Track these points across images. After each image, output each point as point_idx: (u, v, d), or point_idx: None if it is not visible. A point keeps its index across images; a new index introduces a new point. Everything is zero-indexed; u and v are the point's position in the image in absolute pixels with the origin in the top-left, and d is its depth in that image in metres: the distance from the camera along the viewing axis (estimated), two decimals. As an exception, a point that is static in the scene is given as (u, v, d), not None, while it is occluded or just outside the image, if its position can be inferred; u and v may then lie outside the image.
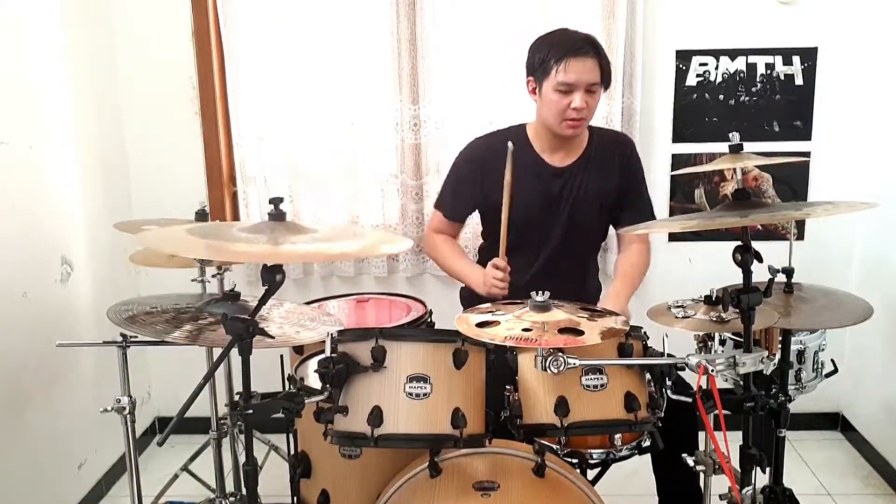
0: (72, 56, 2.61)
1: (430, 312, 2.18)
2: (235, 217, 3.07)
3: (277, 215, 1.47)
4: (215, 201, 3.01)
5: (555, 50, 2.04)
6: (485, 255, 2.38)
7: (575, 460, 1.68)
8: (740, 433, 1.60)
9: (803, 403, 2.40)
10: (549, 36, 2.12)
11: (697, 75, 2.88)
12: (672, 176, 2.94)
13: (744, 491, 1.62)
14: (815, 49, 2.84)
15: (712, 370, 1.46)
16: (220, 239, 1.47)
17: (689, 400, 1.54)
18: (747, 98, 2.89)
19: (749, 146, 1.59)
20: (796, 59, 2.86)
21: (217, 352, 2.19)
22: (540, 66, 2.07)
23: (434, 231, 2.38)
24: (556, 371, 1.43)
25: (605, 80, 2.09)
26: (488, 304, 1.72)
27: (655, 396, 1.59)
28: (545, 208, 2.20)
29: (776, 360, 1.99)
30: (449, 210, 2.33)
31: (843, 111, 2.88)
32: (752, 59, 2.86)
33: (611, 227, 2.37)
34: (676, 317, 1.67)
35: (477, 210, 2.35)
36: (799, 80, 2.87)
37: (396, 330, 1.80)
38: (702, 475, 1.67)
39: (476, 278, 2.18)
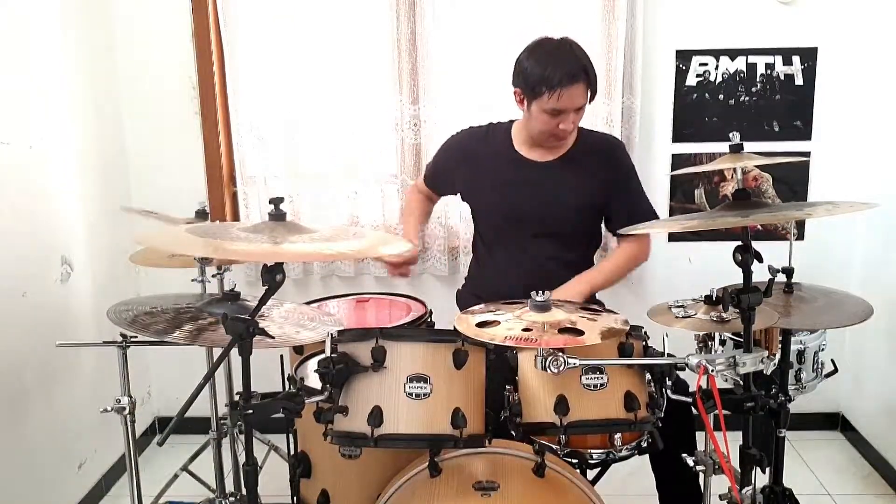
0: (72, 56, 2.61)
1: (430, 312, 2.17)
2: (235, 217, 3.07)
3: (277, 215, 1.47)
4: (215, 201, 3.01)
5: (549, 78, 1.99)
6: (474, 247, 2.42)
7: (575, 460, 1.68)
8: (740, 433, 1.60)
9: (803, 403, 2.40)
10: (540, 54, 2.05)
11: (697, 75, 2.88)
12: (672, 176, 2.93)
13: (744, 491, 1.62)
14: (815, 49, 2.84)
15: (712, 370, 1.46)
16: (220, 239, 1.46)
17: (689, 400, 1.54)
18: (747, 98, 2.89)
19: (749, 146, 1.59)
20: (796, 59, 2.85)
21: (217, 352, 2.19)
22: (530, 89, 2.04)
23: (416, 186, 2.57)
24: (556, 371, 1.44)
25: (592, 95, 2.08)
26: (488, 305, 1.72)
27: (655, 396, 1.59)
28: (520, 202, 2.20)
29: (776, 360, 1.99)
30: (429, 182, 2.48)
31: (843, 111, 2.88)
32: (752, 59, 2.86)
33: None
34: (676, 317, 1.67)
35: (459, 195, 2.39)
36: (799, 80, 2.87)
37: (396, 330, 1.80)
38: (702, 475, 1.68)
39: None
